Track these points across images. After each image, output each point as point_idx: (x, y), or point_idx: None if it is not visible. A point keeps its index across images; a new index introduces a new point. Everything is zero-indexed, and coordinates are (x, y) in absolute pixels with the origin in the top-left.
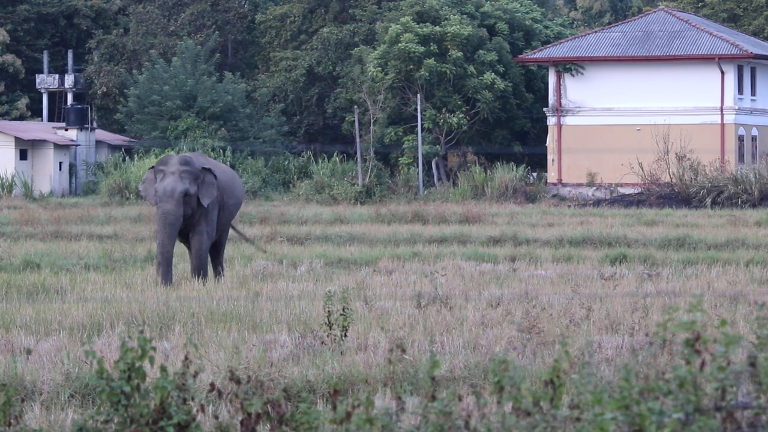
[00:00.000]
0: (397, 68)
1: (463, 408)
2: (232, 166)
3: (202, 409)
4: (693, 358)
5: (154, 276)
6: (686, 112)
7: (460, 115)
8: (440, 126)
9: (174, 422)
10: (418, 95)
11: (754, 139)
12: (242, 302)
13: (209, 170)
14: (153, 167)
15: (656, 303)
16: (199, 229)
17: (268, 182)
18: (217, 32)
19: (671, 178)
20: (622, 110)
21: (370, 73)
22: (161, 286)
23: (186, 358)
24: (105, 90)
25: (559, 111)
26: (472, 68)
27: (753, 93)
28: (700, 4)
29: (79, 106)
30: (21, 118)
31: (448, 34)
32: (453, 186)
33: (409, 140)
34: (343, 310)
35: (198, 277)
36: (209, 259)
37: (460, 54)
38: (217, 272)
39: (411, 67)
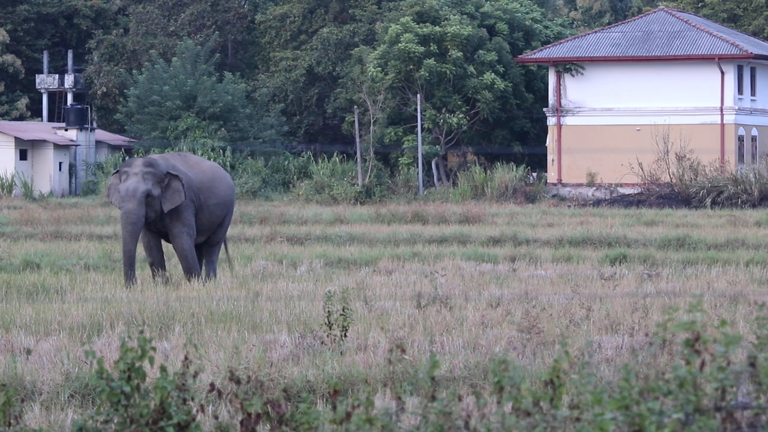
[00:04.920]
0: (397, 68)
1: (463, 408)
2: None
3: (202, 409)
4: (693, 358)
5: (152, 276)
6: (686, 112)
7: (460, 115)
8: (440, 126)
9: (174, 422)
10: (418, 95)
11: (754, 139)
12: (242, 302)
13: (176, 176)
14: (117, 171)
15: (656, 303)
16: (176, 231)
17: (268, 182)
18: (217, 32)
19: (671, 178)
20: (622, 110)
21: (370, 73)
22: (161, 286)
23: (186, 358)
24: (105, 90)
25: (559, 111)
26: (472, 68)
27: (753, 93)
28: (700, 4)
29: (79, 106)
30: (21, 118)
31: (448, 34)
32: (453, 186)
33: (409, 140)
34: (343, 310)
35: (193, 278)
36: (203, 258)
37: (460, 54)
38: (207, 274)
39: (411, 67)
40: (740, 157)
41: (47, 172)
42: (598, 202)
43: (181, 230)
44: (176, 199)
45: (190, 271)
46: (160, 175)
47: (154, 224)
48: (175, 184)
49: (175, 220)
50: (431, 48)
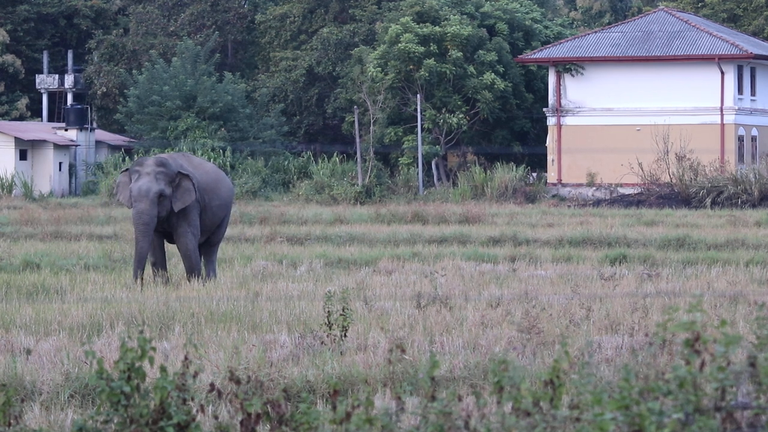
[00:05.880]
0: (397, 68)
1: (463, 408)
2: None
3: (202, 409)
4: (693, 358)
5: (153, 276)
6: (686, 112)
7: (460, 115)
8: (440, 126)
9: (174, 422)
10: (418, 95)
11: (753, 139)
12: (242, 302)
13: (186, 176)
14: (126, 169)
15: (656, 303)
16: (182, 231)
17: (268, 182)
18: (217, 32)
19: (671, 179)
20: (622, 110)
21: (370, 74)
22: (161, 286)
23: (186, 358)
24: (105, 90)
25: (559, 111)
26: (472, 68)
27: (753, 93)
28: (700, 4)
29: (79, 107)
30: (21, 118)
31: (448, 35)
32: (453, 186)
33: (409, 140)
34: (343, 310)
35: (195, 278)
36: (202, 258)
37: (460, 54)
38: (208, 274)
39: (411, 67)
40: (740, 157)
41: (47, 172)
42: (598, 202)
43: (187, 230)
44: (187, 199)
45: (192, 271)
46: (172, 175)
47: (160, 224)
48: (185, 183)
49: (182, 219)
50: (431, 48)
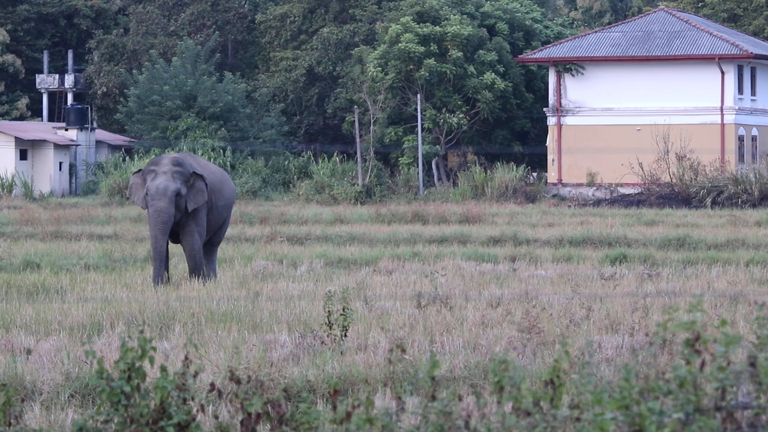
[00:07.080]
0: (397, 68)
1: (463, 408)
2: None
3: (202, 409)
4: (693, 358)
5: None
6: (686, 112)
7: (460, 115)
8: (440, 126)
9: (174, 422)
10: (418, 95)
11: (754, 139)
12: (242, 302)
13: (200, 176)
14: (139, 170)
15: (656, 303)
16: (189, 230)
17: (268, 182)
18: (217, 32)
19: (671, 178)
20: (622, 110)
21: (370, 73)
22: (160, 286)
23: (186, 358)
24: (105, 90)
25: (559, 111)
26: (472, 68)
27: (753, 93)
28: (700, 4)
29: (79, 106)
30: (21, 118)
31: (448, 34)
32: (453, 186)
33: (409, 140)
34: (343, 310)
35: (197, 277)
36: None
37: (460, 54)
38: (208, 274)
39: (411, 67)
40: (740, 157)
41: (47, 172)
42: (598, 202)
43: (194, 229)
44: (199, 199)
45: (196, 270)
46: (187, 175)
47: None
48: (199, 184)
49: (190, 219)
50: (431, 48)
